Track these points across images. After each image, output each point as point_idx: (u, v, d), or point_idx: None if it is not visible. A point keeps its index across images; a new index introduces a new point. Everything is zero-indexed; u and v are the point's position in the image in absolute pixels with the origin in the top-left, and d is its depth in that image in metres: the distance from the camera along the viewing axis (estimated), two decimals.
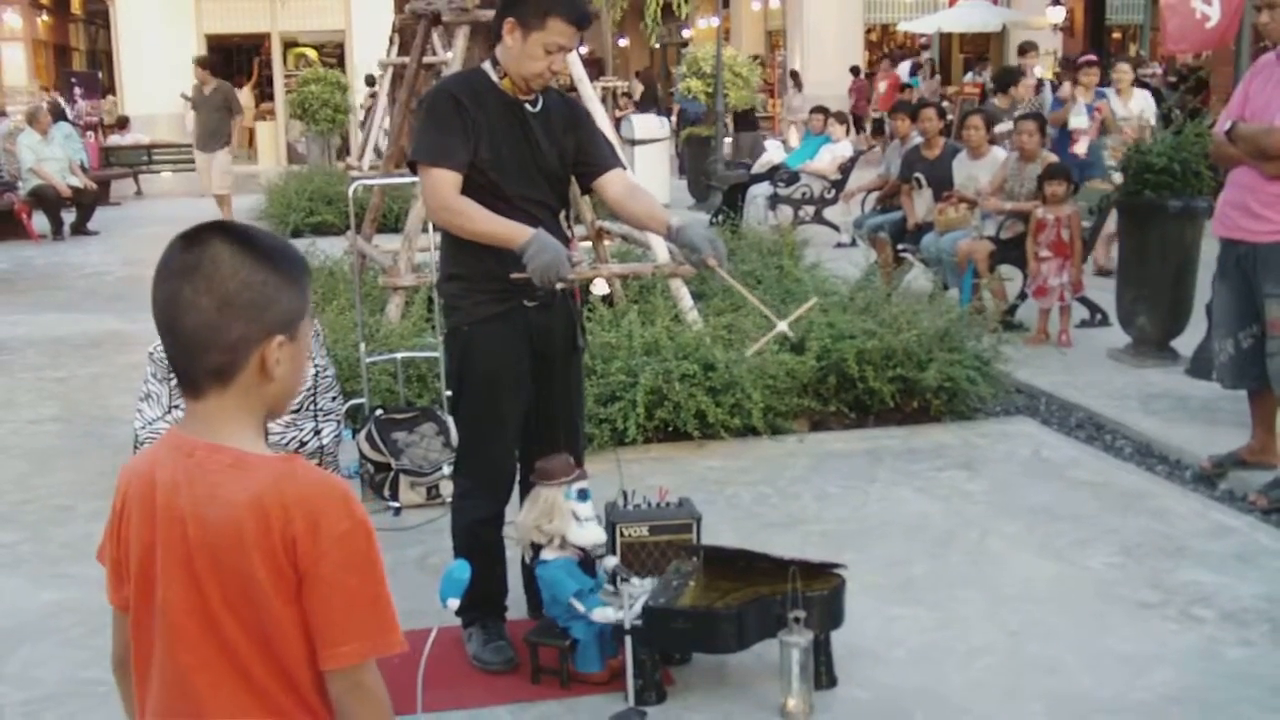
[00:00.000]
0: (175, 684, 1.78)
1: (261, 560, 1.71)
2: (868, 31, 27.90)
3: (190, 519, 1.74)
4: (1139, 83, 13.28)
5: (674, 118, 19.16)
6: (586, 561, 3.83)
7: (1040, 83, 14.26)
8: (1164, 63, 20.39)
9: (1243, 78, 5.60)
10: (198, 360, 1.75)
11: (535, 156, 3.74)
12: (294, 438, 5.37)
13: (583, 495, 3.75)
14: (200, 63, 15.14)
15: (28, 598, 4.46)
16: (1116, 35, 27.02)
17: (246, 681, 1.75)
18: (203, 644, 1.75)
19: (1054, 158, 8.61)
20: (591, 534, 3.77)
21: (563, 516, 3.72)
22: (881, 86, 19.24)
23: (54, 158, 14.75)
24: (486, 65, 3.77)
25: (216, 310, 1.72)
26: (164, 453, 1.82)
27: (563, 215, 3.90)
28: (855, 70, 24.68)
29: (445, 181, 3.61)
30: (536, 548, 3.79)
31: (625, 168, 3.94)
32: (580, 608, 3.71)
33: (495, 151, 3.67)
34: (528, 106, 3.75)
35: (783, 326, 3.50)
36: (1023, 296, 8.43)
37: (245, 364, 1.75)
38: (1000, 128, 9.65)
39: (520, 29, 3.61)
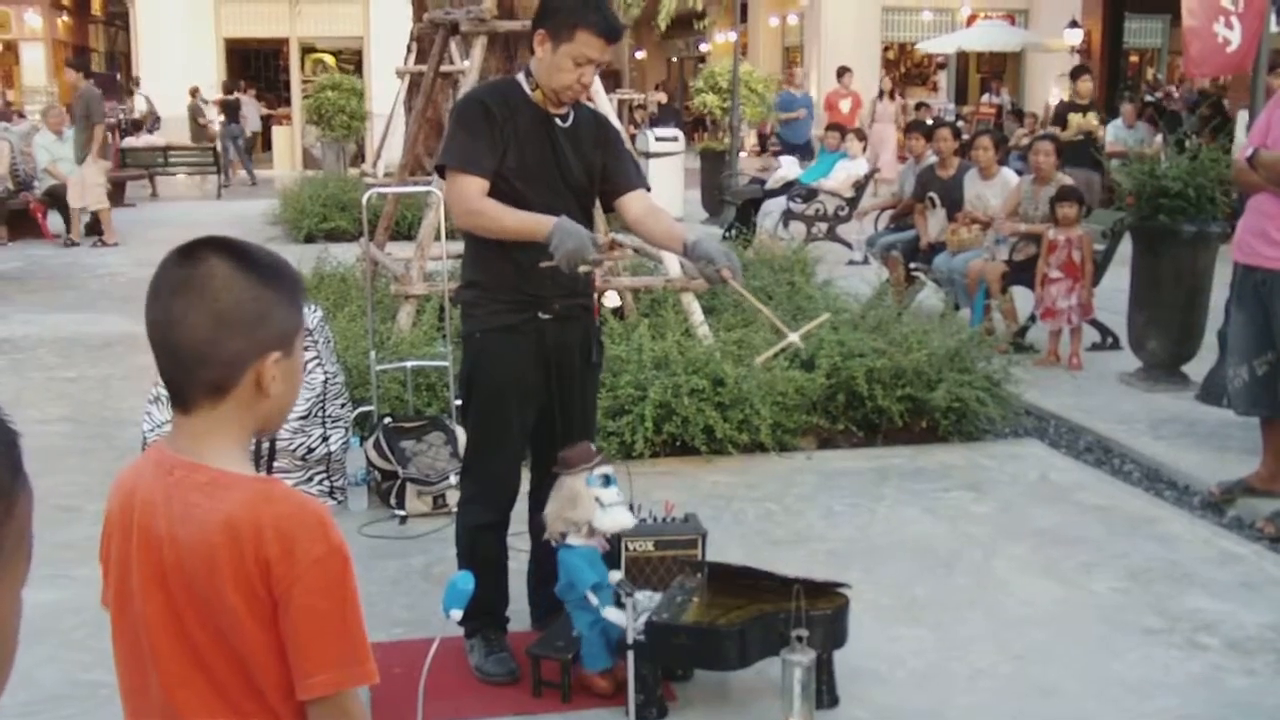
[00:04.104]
0: (161, 697, 1.77)
1: (233, 583, 1.68)
2: (885, 49, 27.92)
3: (166, 538, 1.72)
4: (1150, 104, 13.26)
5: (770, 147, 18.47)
6: (612, 556, 3.82)
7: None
8: (1179, 86, 20.38)
9: (1265, 106, 5.61)
10: (192, 376, 1.73)
11: (562, 169, 3.76)
12: (302, 444, 5.37)
13: (606, 480, 3.74)
14: (70, 66, 14.60)
15: (29, 598, 4.41)
16: (1134, 59, 27.02)
17: (226, 700, 1.73)
18: (181, 661, 1.73)
19: (1068, 179, 8.60)
20: (619, 518, 3.74)
21: (586, 504, 3.70)
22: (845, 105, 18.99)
23: (68, 158, 14.76)
24: (520, 76, 3.80)
25: (212, 326, 1.70)
26: (148, 468, 1.80)
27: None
28: None
29: (471, 186, 3.64)
30: (564, 536, 3.78)
31: (649, 189, 3.96)
32: (594, 600, 3.70)
33: (522, 161, 3.69)
34: (558, 120, 3.76)
35: (794, 338, 3.50)
36: (1034, 318, 8.42)
37: (240, 380, 1.73)
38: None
39: (550, 41, 3.64)
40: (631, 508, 4.22)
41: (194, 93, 23.59)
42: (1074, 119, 13.40)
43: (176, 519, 1.72)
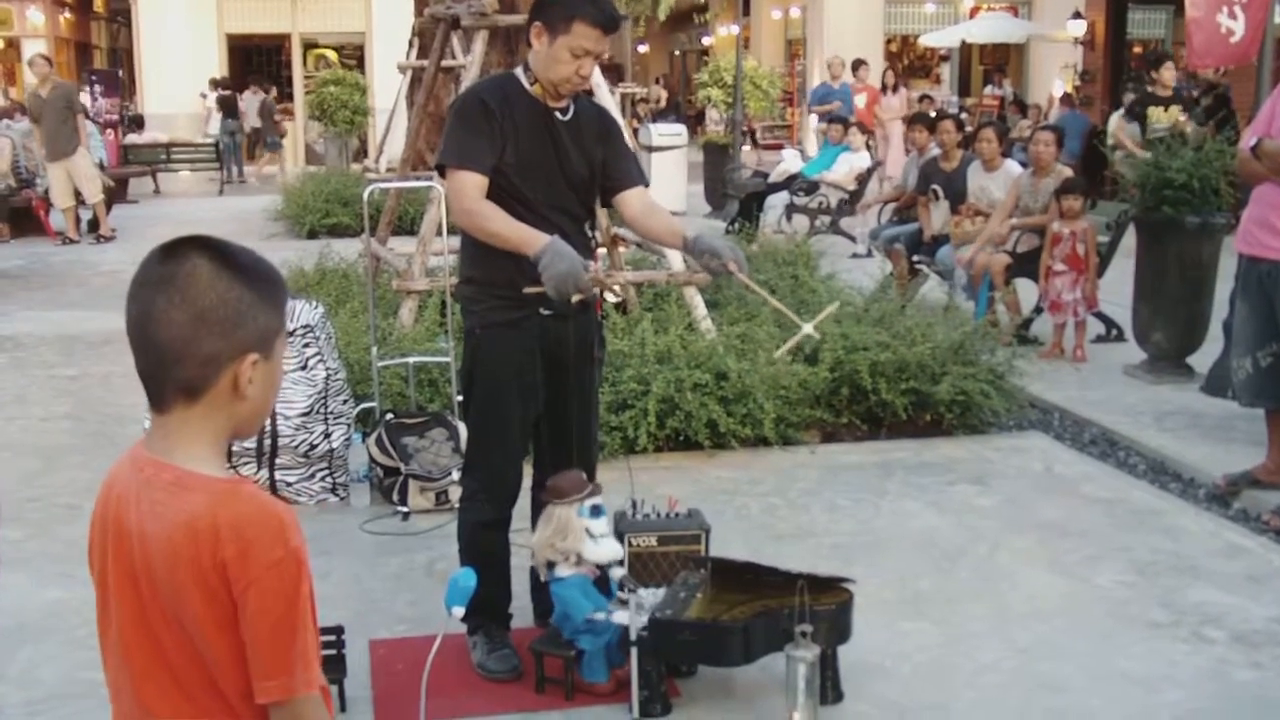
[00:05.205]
0: (130, 690, 1.77)
1: (193, 583, 1.67)
2: (888, 42, 27.86)
3: (136, 536, 1.72)
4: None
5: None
6: (602, 580, 3.81)
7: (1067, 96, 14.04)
8: (1182, 77, 20.30)
9: (1270, 96, 5.59)
10: (168, 373, 1.72)
11: (562, 164, 3.73)
12: (304, 440, 5.36)
13: (596, 511, 3.73)
14: (44, 60, 14.38)
15: (32, 596, 4.45)
16: (1138, 49, 26.96)
17: (190, 699, 1.73)
18: (148, 658, 1.74)
19: (1069, 171, 8.58)
20: (607, 550, 3.75)
21: (577, 534, 3.70)
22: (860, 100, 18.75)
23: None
24: (519, 71, 3.77)
25: (190, 324, 1.69)
26: (126, 464, 1.80)
27: (587, 224, 3.90)
28: None
29: (469, 184, 3.61)
30: (551, 565, 3.77)
31: (648, 185, 3.94)
32: (600, 617, 3.70)
33: (521, 157, 3.67)
34: (558, 114, 3.74)
35: (808, 329, 3.48)
36: (1038, 310, 8.40)
37: (216, 381, 1.72)
38: None
39: (547, 33, 3.62)
40: (634, 503, 4.22)
41: (267, 90, 23.45)
42: (1154, 113, 11.94)
43: (145, 517, 1.72)
